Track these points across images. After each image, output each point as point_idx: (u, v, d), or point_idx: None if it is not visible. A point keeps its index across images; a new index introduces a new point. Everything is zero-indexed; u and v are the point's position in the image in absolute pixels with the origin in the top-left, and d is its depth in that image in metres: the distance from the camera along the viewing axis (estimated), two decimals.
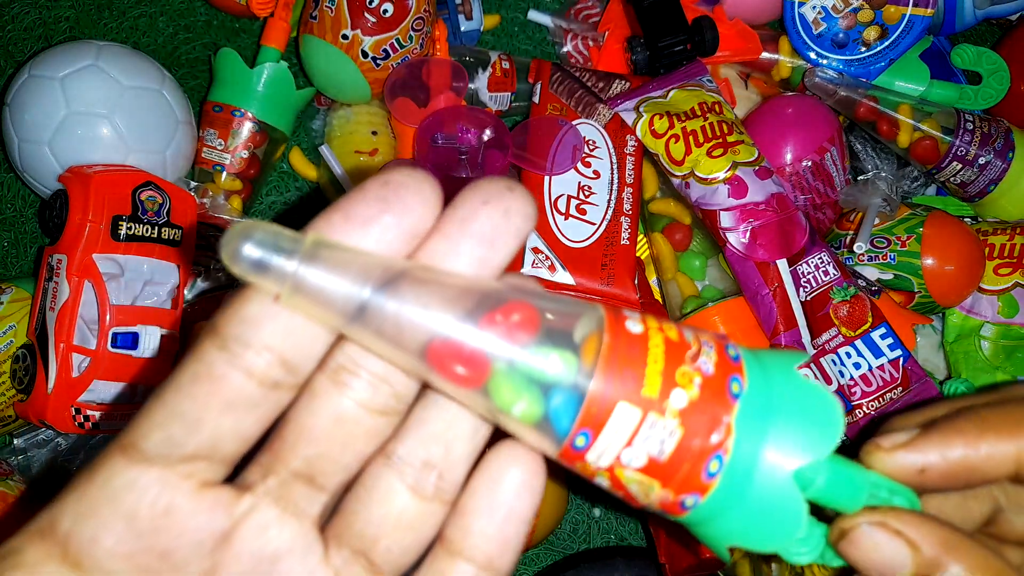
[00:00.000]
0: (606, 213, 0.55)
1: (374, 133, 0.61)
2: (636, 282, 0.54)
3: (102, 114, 0.54)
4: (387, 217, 0.18)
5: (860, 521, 0.21)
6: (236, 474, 0.20)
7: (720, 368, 0.19)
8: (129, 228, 0.52)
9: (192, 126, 0.59)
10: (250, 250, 0.16)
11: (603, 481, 0.19)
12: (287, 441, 0.19)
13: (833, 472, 0.20)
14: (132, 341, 0.52)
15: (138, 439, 0.18)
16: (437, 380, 0.18)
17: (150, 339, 0.52)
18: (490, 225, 0.18)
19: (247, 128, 0.60)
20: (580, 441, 0.18)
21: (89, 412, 0.51)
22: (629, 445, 0.18)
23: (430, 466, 0.20)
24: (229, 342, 0.18)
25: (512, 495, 0.20)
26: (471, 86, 0.62)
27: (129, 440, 0.18)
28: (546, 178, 0.56)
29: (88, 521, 0.18)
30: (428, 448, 0.20)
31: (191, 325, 0.58)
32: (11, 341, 0.54)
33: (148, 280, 0.54)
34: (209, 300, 0.58)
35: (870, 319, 0.53)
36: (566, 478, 0.60)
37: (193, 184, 0.62)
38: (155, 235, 0.53)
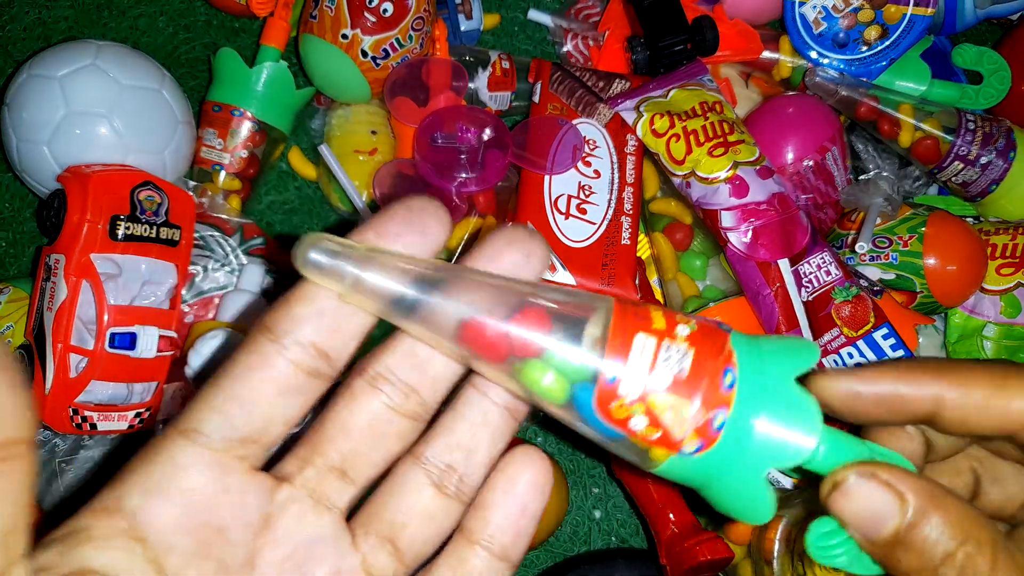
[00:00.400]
0: (607, 213, 0.55)
1: (373, 132, 0.61)
2: (637, 282, 0.54)
3: (101, 114, 0.54)
4: (412, 236, 0.21)
5: (850, 472, 0.22)
6: (269, 466, 0.22)
7: (709, 326, 0.22)
8: (127, 228, 0.52)
9: (191, 126, 0.59)
10: (317, 256, 0.20)
11: (640, 420, 0.21)
12: (326, 436, 0.22)
13: (831, 442, 0.22)
14: (130, 341, 0.51)
15: (198, 423, 0.20)
16: (471, 355, 0.21)
17: (148, 339, 0.52)
18: (512, 264, 0.22)
19: (246, 128, 0.59)
20: (611, 373, 0.21)
21: (87, 413, 0.51)
22: (653, 369, 0.21)
23: (453, 469, 0.22)
24: (279, 336, 0.20)
25: (526, 493, 0.22)
26: (471, 86, 0.62)
27: (190, 424, 0.20)
28: (546, 177, 0.55)
29: (154, 498, 0.19)
30: (452, 453, 0.23)
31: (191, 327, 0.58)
32: (8, 341, 0.54)
33: (146, 280, 0.54)
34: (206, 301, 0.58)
35: (872, 319, 0.53)
36: (566, 478, 0.59)
37: (192, 184, 0.62)
38: (153, 235, 0.53)
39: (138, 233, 0.52)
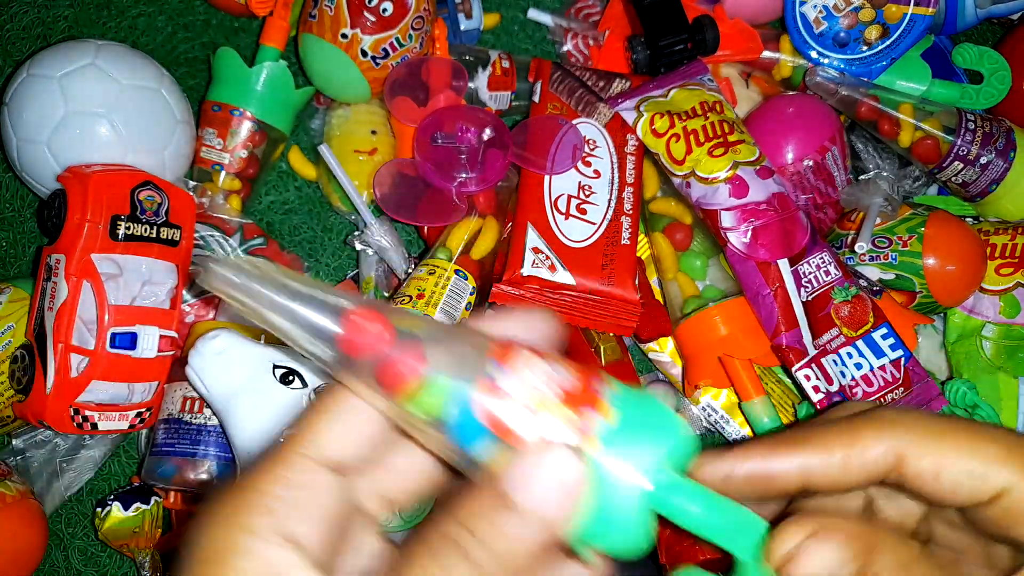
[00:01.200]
0: (606, 213, 0.55)
1: (373, 132, 0.61)
2: (636, 282, 0.54)
3: (101, 113, 0.54)
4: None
5: (794, 534, 0.23)
6: None
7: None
8: (127, 228, 0.52)
9: (191, 125, 0.59)
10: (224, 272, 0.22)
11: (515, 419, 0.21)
12: (386, 470, 0.24)
13: (691, 494, 0.22)
14: (131, 341, 0.51)
15: (325, 449, 0.22)
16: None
17: (149, 339, 0.52)
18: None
19: (246, 127, 0.59)
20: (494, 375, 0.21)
21: (88, 412, 0.51)
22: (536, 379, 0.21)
23: None
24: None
25: None
26: (471, 85, 0.62)
27: (318, 451, 0.22)
28: (546, 177, 0.55)
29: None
30: None
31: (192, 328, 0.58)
32: (9, 341, 0.54)
33: (147, 280, 0.54)
34: (208, 300, 0.58)
35: (871, 319, 0.53)
36: None
37: (192, 184, 0.62)
38: (154, 235, 0.53)
39: (138, 233, 0.52)
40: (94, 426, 0.52)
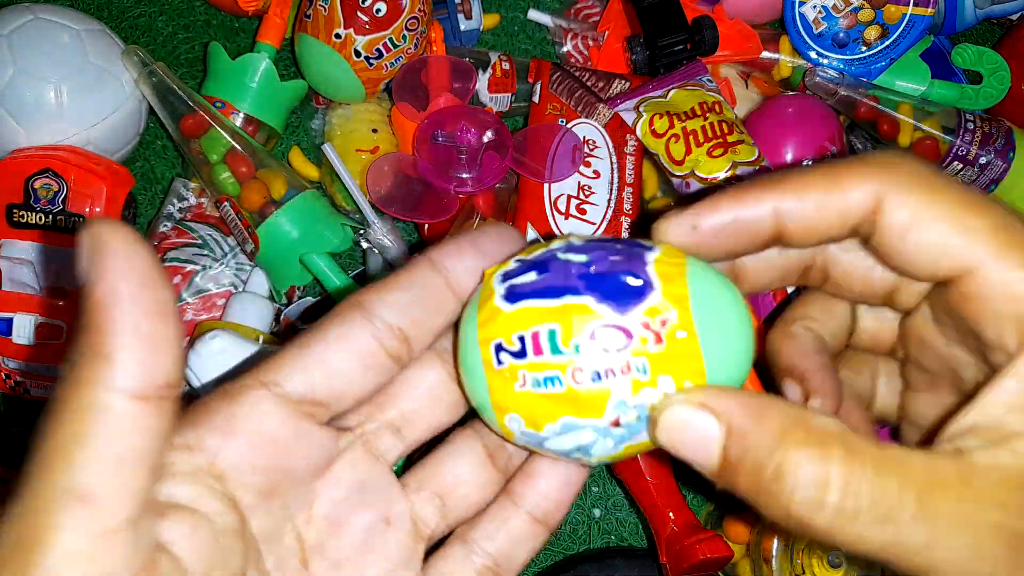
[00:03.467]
0: (606, 213, 0.55)
1: (374, 131, 0.61)
2: None
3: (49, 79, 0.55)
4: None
5: (666, 404, 0.20)
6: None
7: None
8: (21, 216, 0.55)
9: (139, 101, 0.60)
10: None
11: None
12: (390, 395, 0.24)
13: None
14: (7, 327, 0.54)
15: (281, 378, 0.21)
16: None
17: (24, 327, 0.54)
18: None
19: (236, 121, 0.60)
20: None
21: (18, 379, 0.56)
22: None
23: (504, 447, 0.25)
24: (372, 315, 0.22)
25: (571, 467, 0.24)
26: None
27: (272, 378, 0.21)
28: None
29: (232, 438, 0.21)
30: None
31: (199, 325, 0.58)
32: None
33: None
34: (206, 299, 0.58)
35: None
36: None
37: (192, 185, 0.62)
38: (49, 223, 0.55)
39: (32, 221, 0.55)
40: (26, 391, 0.56)
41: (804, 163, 0.58)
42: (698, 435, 0.20)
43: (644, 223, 0.60)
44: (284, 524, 0.22)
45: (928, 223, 0.20)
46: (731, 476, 0.20)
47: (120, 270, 0.17)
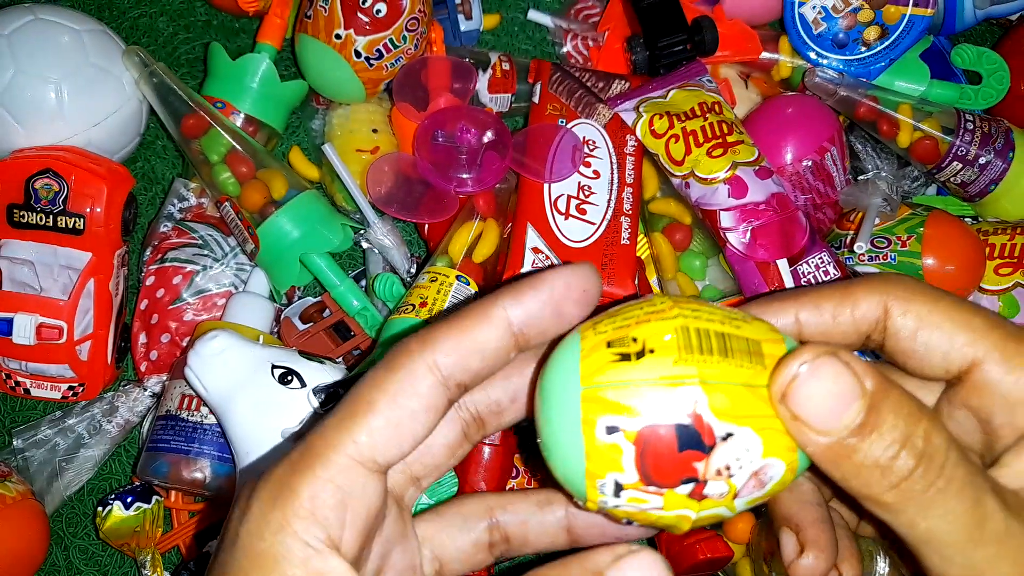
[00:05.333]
0: (606, 213, 0.55)
1: (375, 131, 0.61)
2: (636, 282, 0.54)
3: (50, 79, 0.55)
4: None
5: (804, 354, 0.20)
6: None
7: None
8: (21, 216, 0.55)
9: (139, 101, 0.60)
10: None
11: None
12: (420, 450, 0.25)
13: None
14: (8, 327, 0.54)
15: (378, 455, 0.21)
16: None
17: (24, 327, 0.54)
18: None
19: (237, 121, 0.60)
20: None
21: (19, 378, 0.57)
22: None
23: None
24: (448, 380, 0.22)
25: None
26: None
27: (370, 455, 0.21)
28: None
29: (347, 520, 0.21)
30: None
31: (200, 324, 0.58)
32: None
33: (50, 267, 0.56)
34: (207, 299, 0.58)
35: None
36: None
37: (192, 185, 0.62)
38: (50, 223, 0.55)
39: (32, 221, 0.55)
40: (26, 391, 0.57)
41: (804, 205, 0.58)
42: (839, 394, 0.20)
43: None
44: None
45: (934, 325, 0.23)
46: (847, 447, 0.20)
47: None
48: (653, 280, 0.62)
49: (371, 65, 0.58)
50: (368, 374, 0.22)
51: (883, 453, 0.20)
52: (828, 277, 0.53)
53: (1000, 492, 0.21)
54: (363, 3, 0.56)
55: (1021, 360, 0.22)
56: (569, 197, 0.55)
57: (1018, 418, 0.22)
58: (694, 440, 0.20)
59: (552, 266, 0.23)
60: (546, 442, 0.22)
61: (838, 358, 0.20)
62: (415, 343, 0.22)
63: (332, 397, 0.47)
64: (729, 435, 0.20)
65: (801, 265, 0.53)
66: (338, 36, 0.57)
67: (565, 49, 0.67)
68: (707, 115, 0.56)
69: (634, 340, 0.21)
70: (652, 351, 0.20)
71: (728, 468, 0.20)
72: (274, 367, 0.48)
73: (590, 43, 0.67)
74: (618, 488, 0.20)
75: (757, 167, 0.55)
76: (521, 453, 0.56)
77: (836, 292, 0.24)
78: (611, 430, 0.20)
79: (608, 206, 0.56)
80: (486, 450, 0.52)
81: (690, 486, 0.20)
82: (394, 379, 0.21)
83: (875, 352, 0.25)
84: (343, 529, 0.20)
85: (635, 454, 0.20)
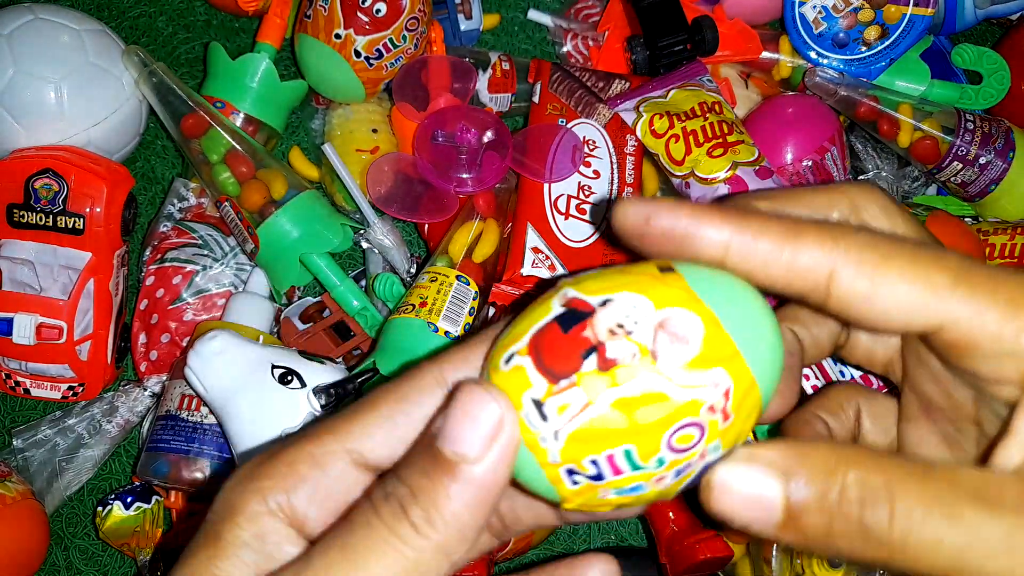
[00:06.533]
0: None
1: (374, 131, 0.61)
2: None
3: (49, 79, 0.55)
4: None
5: (719, 467, 0.19)
6: None
7: None
8: (21, 216, 0.55)
9: (139, 101, 0.60)
10: None
11: None
12: None
13: None
14: (7, 327, 0.54)
15: (366, 450, 0.21)
16: None
17: (24, 327, 0.54)
18: None
19: (236, 121, 0.60)
20: None
21: (19, 378, 0.57)
22: None
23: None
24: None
25: None
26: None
27: (357, 447, 0.21)
28: None
29: (323, 510, 0.21)
30: None
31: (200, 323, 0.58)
32: None
33: (50, 266, 0.56)
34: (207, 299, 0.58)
35: None
36: None
37: (192, 185, 0.62)
38: (50, 223, 0.55)
39: (32, 221, 0.55)
40: (26, 391, 0.57)
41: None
42: (754, 491, 0.19)
43: None
44: None
45: (889, 288, 0.20)
46: (793, 529, 0.19)
47: None
48: None
49: (371, 65, 0.58)
50: (385, 384, 0.23)
51: (826, 520, 0.19)
52: None
53: (985, 495, 0.19)
54: (363, 3, 0.56)
55: (996, 312, 0.20)
56: (569, 197, 0.55)
57: (1006, 369, 0.20)
58: (574, 316, 0.19)
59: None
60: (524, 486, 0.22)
61: (749, 465, 0.19)
62: (428, 358, 0.22)
63: (332, 397, 0.47)
64: (607, 301, 0.19)
65: None
66: (338, 36, 0.57)
67: (565, 49, 0.67)
68: (707, 115, 0.56)
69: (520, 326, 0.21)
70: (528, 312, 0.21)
71: (621, 326, 0.19)
72: (274, 367, 0.48)
73: (590, 43, 0.67)
74: (538, 406, 0.19)
75: (757, 167, 0.55)
76: None
77: (783, 229, 0.21)
78: (507, 359, 0.20)
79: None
80: None
81: (592, 358, 0.19)
82: (402, 387, 0.22)
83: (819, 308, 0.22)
84: (311, 506, 0.20)
85: (532, 362, 0.20)
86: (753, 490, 0.19)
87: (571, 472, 0.20)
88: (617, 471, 0.19)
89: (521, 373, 0.20)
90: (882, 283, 0.20)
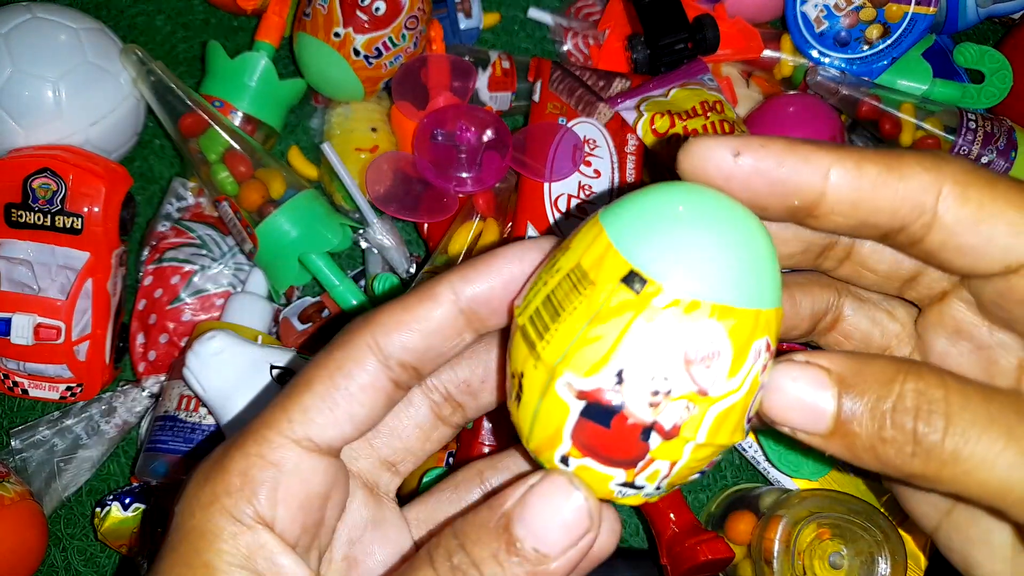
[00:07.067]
0: None
1: (374, 130, 0.61)
2: None
3: (47, 78, 0.55)
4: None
5: (775, 369, 0.19)
6: None
7: None
8: (19, 216, 0.54)
9: (138, 100, 0.60)
10: None
11: None
12: (381, 431, 0.24)
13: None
14: (5, 327, 0.54)
15: (313, 433, 0.21)
16: None
17: (22, 327, 0.54)
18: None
19: (234, 120, 0.59)
20: None
21: (17, 378, 0.57)
22: None
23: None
24: (388, 359, 0.21)
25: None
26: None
27: (303, 431, 0.21)
28: None
29: (284, 507, 0.20)
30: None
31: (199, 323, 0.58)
32: None
33: (48, 266, 0.55)
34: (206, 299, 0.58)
35: None
36: None
37: (190, 184, 0.62)
38: (48, 223, 0.55)
39: (30, 221, 0.55)
40: (24, 391, 0.57)
41: None
42: (806, 395, 0.19)
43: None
44: (311, 570, 0.21)
45: (997, 214, 0.19)
46: (841, 439, 0.19)
47: None
48: None
49: (370, 63, 0.58)
50: (314, 356, 0.22)
51: (877, 427, 0.19)
52: None
53: None
54: (362, 1, 0.56)
55: None
56: (569, 196, 0.55)
57: None
58: (604, 412, 0.18)
59: (509, 242, 0.22)
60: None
61: (800, 367, 0.19)
62: (358, 324, 0.21)
63: None
64: (619, 374, 0.18)
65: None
66: (337, 34, 0.57)
67: (565, 47, 0.67)
68: (708, 114, 0.56)
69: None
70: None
71: (656, 393, 0.18)
72: (273, 367, 0.48)
73: (590, 41, 0.66)
74: (629, 485, 0.19)
75: None
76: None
77: (883, 157, 0.20)
78: (563, 460, 0.19)
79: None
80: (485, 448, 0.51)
81: (654, 435, 0.18)
82: (333, 359, 0.21)
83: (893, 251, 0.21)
84: (276, 507, 0.20)
85: (595, 460, 0.19)
86: (804, 394, 0.19)
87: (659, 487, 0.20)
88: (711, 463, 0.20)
89: (591, 471, 0.19)
90: (988, 209, 0.19)
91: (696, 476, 0.20)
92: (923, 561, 0.52)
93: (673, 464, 0.19)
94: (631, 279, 0.18)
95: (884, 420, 0.19)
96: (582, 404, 0.18)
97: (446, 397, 0.24)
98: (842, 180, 0.20)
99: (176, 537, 0.20)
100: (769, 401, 0.19)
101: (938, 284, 0.23)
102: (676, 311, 0.18)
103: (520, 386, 0.20)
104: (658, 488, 0.19)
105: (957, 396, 0.18)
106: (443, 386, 0.24)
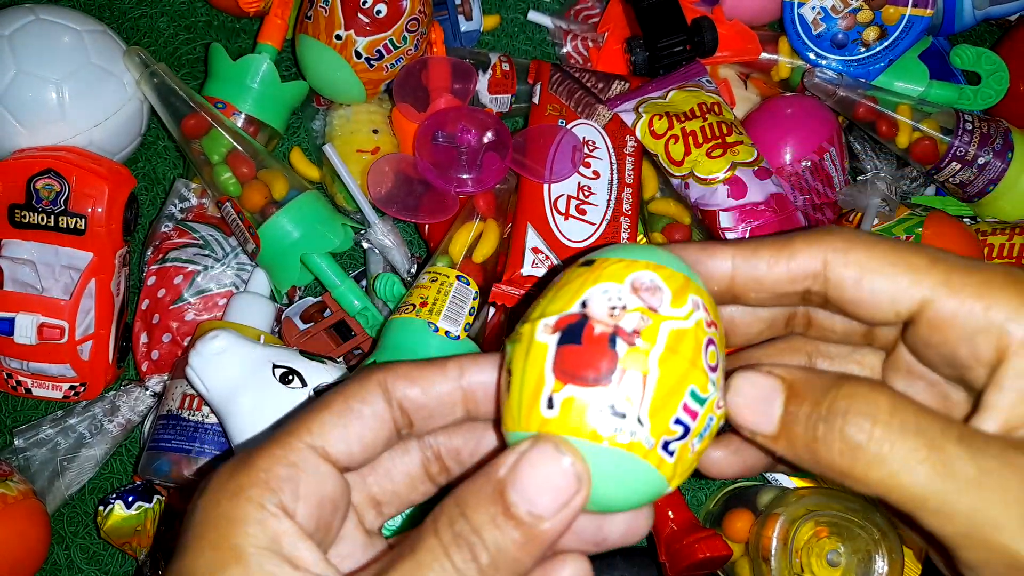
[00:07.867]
0: (606, 213, 0.55)
1: (375, 132, 0.61)
2: None
3: (50, 79, 0.55)
4: None
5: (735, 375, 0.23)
6: None
7: None
8: (23, 216, 0.55)
9: (140, 101, 0.60)
10: None
11: None
12: (373, 468, 0.26)
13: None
14: (9, 326, 0.54)
15: (328, 444, 0.23)
16: None
17: (26, 327, 0.54)
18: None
19: (238, 122, 0.60)
20: None
21: (20, 378, 0.57)
22: None
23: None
24: (392, 400, 0.24)
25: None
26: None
27: (320, 442, 0.23)
28: None
29: (304, 503, 0.22)
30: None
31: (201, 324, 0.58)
32: None
33: (52, 266, 0.56)
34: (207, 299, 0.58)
35: None
36: None
37: (193, 186, 0.62)
38: (52, 223, 0.55)
39: (34, 222, 0.55)
40: (28, 391, 0.57)
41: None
42: (762, 398, 0.22)
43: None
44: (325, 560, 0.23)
45: (876, 270, 0.23)
46: (784, 439, 0.22)
47: None
48: None
49: (371, 66, 0.58)
50: (335, 387, 0.24)
51: (813, 427, 0.21)
52: None
53: (969, 437, 0.20)
54: (363, 4, 0.56)
55: (969, 290, 0.22)
56: (569, 197, 0.56)
57: (980, 348, 0.22)
58: (574, 330, 0.22)
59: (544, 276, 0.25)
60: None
61: (757, 373, 0.23)
62: (378, 367, 0.24)
63: None
64: (584, 303, 0.22)
65: None
66: (338, 37, 0.57)
67: (565, 50, 0.67)
68: (706, 116, 0.56)
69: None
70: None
71: (613, 307, 0.22)
72: (275, 367, 0.48)
73: (590, 44, 0.67)
74: (612, 411, 0.21)
75: (756, 167, 0.55)
76: None
77: (775, 243, 0.24)
78: (549, 403, 0.22)
79: (608, 206, 0.56)
80: None
81: (619, 340, 0.21)
82: (351, 388, 0.24)
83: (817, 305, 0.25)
84: (297, 501, 0.22)
85: (576, 385, 0.21)
86: (758, 397, 0.22)
87: (666, 445, 0.21)
88: (693, 414, 0.22)
89: (572, 403, 0.21)
90: (868, 267, 0.23)
91: (680, 435, 0.22)
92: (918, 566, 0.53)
93: (645, 378, 0.21)
94: (587, 263, 0.23)
95: (819, 422, 0.21)
96: (557, 336, 0.22)
97: (437, 456, 0.26)
98: (742, 266, 0.25)
99: (201, 525, 0.21)
100: (730, 402, 0.23)
101: (890, 333, 0.26)
102: (622, 266, 0.23)
103: (509, 371, 0.23)
104: (640, 421, 0.21)
105: (888, 404, 0.21)
106: (438, 446, 0.26)
